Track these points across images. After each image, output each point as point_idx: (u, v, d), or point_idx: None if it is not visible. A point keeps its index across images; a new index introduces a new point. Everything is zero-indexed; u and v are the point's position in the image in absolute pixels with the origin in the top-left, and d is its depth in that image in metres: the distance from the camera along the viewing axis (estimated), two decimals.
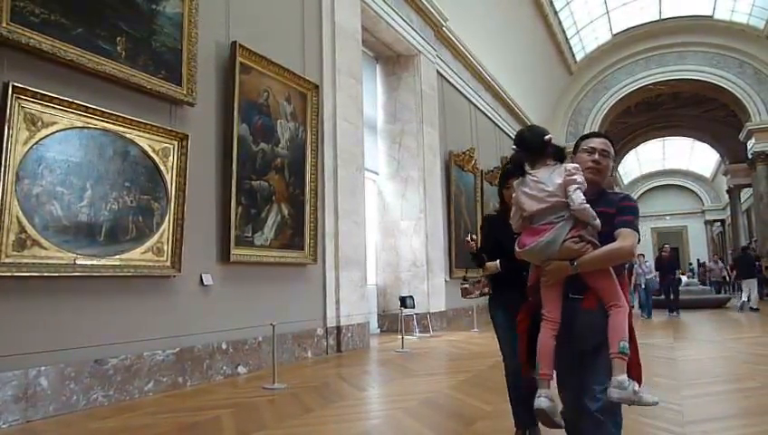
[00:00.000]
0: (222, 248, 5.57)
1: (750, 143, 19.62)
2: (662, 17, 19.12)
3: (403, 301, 8.68)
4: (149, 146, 4.82)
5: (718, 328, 10.07)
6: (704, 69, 19.55)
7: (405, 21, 9.90)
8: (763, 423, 3.45)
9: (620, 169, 31.91)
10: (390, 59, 10.60)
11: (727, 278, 20.12)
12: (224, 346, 5.44)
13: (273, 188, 6.27)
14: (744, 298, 13.46)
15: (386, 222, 10.29)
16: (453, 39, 12.16)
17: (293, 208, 6.58)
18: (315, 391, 4.74)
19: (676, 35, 19.54)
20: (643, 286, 12.72)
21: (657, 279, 13.31)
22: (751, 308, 13.10)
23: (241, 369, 5.60)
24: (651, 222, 37.11)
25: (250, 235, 5.90)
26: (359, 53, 8.40)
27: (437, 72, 11.42)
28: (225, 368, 5.42)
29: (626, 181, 36.64)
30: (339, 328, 7.20)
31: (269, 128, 6.30)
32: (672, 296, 12.91)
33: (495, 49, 14.78)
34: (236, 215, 5.69)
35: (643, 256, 13.64)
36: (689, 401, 4.11)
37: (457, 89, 12.83)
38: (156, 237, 4.82)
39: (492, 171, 14.12)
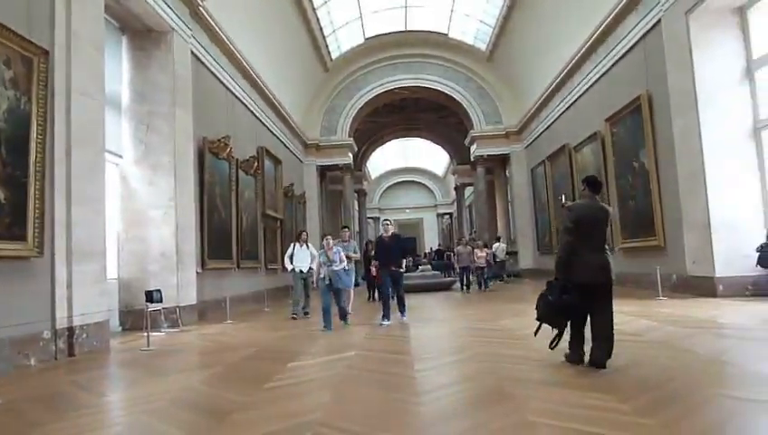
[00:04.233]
0: None
1: (473, 148, 23.00)
2: (407, 29, 21.08)
3: (149, 295, 8.05)
4: None
5: (446, 308, 11.54)
6: (439, 80, 22.27)
7: None
8: (479, 386, 4.07)
9: (369, 165, 34.45)
10: (139, 33, 9.69)
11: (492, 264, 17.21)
12: None
13: None
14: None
15: (131, 210, 9.42)
16: (210, 21, 11.64)
17: (12, 192, 5.61)
18: (41, 403, 4.13)
19: (419, 47, 21.87)
20: (327, 280, 8.22)
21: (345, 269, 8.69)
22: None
23: None
24: (393, 214, 40.94)
25: None
26: (100, 20, 7.50)
27: (192, 53, 10.82)
28: None
29: (374, 176, 39.79)
30: (71, 329, 6.38)
31: None
32: (393, 296, 8.78)
33: (254, 37, 14.61)
34: None
35: (330, 235, 8.78)
36: (422, 373, 4.64)
37: (213, 73, 12.34)
38: None
39: (248, 160, 13.95)
